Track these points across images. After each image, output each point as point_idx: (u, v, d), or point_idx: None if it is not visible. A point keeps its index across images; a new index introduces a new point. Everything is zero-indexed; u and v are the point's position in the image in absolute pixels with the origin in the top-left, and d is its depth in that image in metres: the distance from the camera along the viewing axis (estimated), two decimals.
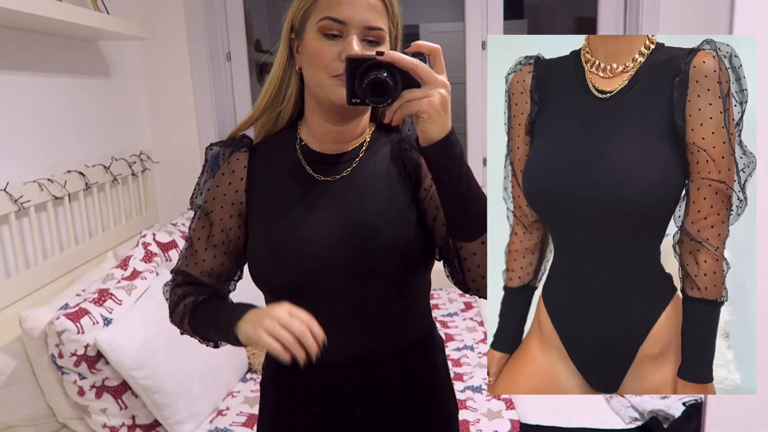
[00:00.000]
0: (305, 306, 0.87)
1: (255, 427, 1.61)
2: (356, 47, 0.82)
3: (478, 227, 0.79)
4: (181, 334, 0.99)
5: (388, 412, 0.95)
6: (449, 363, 2.04)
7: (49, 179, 1.82)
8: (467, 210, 0.79)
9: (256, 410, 1.65)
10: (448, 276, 0.88)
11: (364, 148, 0.93)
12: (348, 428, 0.94)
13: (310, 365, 0.89)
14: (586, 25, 3.24)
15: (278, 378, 0.98)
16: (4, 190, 1.62)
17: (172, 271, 1.00)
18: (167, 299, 1.00)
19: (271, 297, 0.94)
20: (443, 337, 2.22)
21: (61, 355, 1.46)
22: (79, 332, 1.46)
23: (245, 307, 0.84)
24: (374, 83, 0.74)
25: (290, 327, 0.76)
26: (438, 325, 2.31)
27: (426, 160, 0.78)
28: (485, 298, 0.85)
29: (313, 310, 0.87)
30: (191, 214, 2.57)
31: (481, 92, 2.86)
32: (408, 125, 0.95)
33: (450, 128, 0.75)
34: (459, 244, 0.80)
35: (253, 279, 0.94)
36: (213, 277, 0.96)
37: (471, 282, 0.83)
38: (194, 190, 0.97)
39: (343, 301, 0.89)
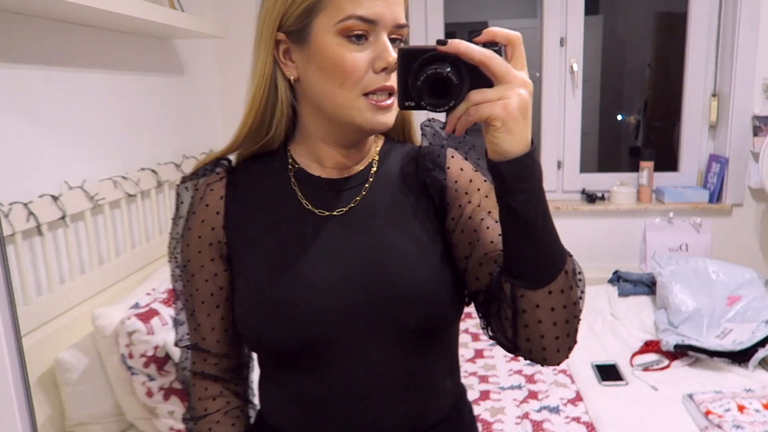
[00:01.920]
0: (304, 372, 0.73)
1: None
2: (393, 52, 0.66)
3: (548, 273, 0.62)
4: None
5: None
6: (523, 378, 1.92)
7: (123, 176, 1.83)
8: (539, 250, 0.62)
9: None
10: (483, 329, 0.71)
11: (373, 170, 0.76)
12: None
13: None
14: (670, 21, 3.02)
15: None
16: (81, 187, 1.63)
17: (179, 346, 0.84)
18: (186, 386, 0.85)
19: (267, 360, 0.78)
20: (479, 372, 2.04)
21: (131, 356, 1.45)
22: (149, 333, 1.44)
23: None
24: (434, 80, 0.57)
25: None
26: (470, 337, 2.19)
27: (495, 180, 0.61)
28: (537, 362, 0.67)
29: (313, 377, 0.73)
30: None
31: (558, 91, 2.71)
32: (429, 135, 0.77)
33: (529, 141, 0.58)
34: (520, 292, 0.63)
35: (244, 339, 0.78)
36: (220, 335, 0.80)
37: (524, 341, 0.65)
38: (169, 241, 0.80)
39: (353, 367, 0.71)
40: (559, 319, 0.63)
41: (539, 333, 0.64)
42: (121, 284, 1.80)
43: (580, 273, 0.66)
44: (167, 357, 1.47)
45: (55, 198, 1.52)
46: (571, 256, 0.65)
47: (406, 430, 0.74)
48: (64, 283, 1.61)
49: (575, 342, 0.67)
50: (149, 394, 1.48)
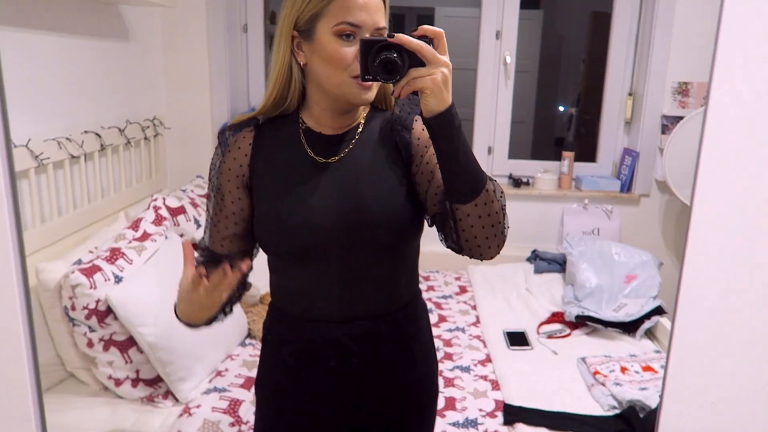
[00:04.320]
0: (306, 269, 1.00)
1: (252, 388, 1.69)
2: None
3: (472, 191, 0.88)
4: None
5: (380, 361, 1.06)
6: (441, 342, 2.11)
7: (67, 138, 1.88)
8: (463, 175, 0.87)
9: (253, 373, 1.73)
10: (441, 240, 0.98)
11: (360, 130, 1.02)
12: (346, 375, 1.05)
13: (312, 320, 1.03)
14: (604, 21, 3.25)
15: (282, 331, 1.08)
16: (26, 145, 1.67)
17: (200, 245, 1.10)
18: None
19: (276, 261, 1.05)
20: (437, 318, 2.30)
21: (73, 308, 1.53)
22: (91, 287, 1.53)
23: None
24: (385, 62, 0.83)
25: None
26: (432, 306, 2.39)
27: (428, 129, 0.86)
28: (477, 258, 0.94)
29: (312, 272, 1.00)
30: (200, 181, 2.62)
31: (492, 81, 2.89)
32: (399, 106, 1.05)
33: (449, 103, 0.84)
34: (455, 206, 0.90)
35: (260, 245, 1.05)
36: (230, 241, 1.05)
37: (464, 242, 0.92)
38: (209, 172, 1.06)
39: (340, 266, 0.99)
40: (486, 224, 0.90)
41: (473, 235, 0.91)
42: (62, 243, 1.86)
43: (502, 193, 0.92)
44: (108, 310, 1.56)
45: None
46: (493, 181, 0.90)
47: (374, 313, 1.04)
48: None
49: (503, 242, 0.93)
50: (89, 344, 1.57)
